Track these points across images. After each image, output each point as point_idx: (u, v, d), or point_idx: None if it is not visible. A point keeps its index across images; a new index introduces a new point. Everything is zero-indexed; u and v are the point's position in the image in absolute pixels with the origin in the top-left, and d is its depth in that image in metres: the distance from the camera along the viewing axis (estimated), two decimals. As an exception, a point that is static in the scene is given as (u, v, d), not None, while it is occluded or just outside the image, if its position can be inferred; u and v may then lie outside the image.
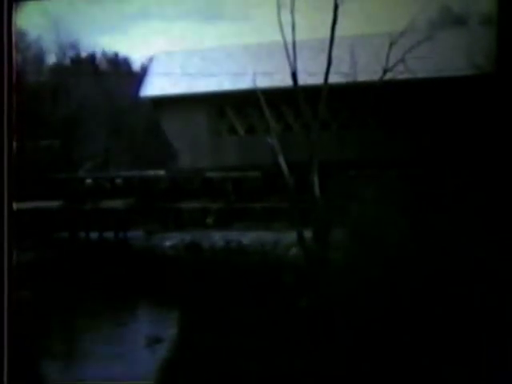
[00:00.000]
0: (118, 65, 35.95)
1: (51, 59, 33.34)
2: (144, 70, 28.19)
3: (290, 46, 17.42)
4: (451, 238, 10.37)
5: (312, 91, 18.26)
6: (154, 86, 26.36)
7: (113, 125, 30.71)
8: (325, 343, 9.81)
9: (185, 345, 12.38)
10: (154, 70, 27.06)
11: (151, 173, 27.40)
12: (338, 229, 13.53)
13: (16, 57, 5.58)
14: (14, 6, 5.40)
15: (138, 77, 28.60)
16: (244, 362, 10.29)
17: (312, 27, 19.90)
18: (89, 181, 28.40)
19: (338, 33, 17.44)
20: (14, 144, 5.82)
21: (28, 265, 16.51)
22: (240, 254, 21.20)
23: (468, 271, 9.00)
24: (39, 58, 32.39)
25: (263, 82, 20.54)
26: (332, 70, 17.49)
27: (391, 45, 17.81)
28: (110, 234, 25.33)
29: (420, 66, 19.51)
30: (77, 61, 34.48)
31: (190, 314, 14.47)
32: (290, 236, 18.37)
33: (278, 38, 17.79)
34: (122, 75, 32.22)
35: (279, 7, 17.33)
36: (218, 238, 23.09)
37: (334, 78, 17.94)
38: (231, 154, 25.94)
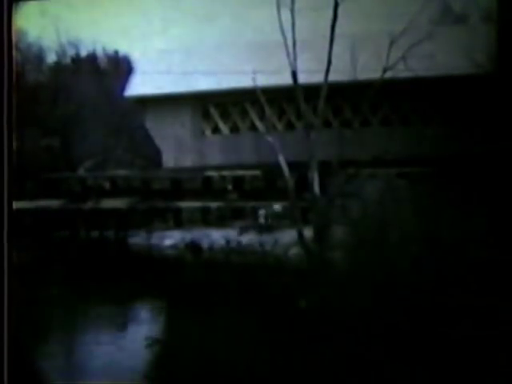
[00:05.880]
0: (117, 64, 35.91)
1: (51, 58, 33.34)
2: (140, 69, 28.11)
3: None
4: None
5: (311, 90, 18.29)
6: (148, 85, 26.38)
7: (108, 124, 30.68)
8: (324, 345, 9.80)
9: (183, 345, 12.36)
10: (146, 68, 27.04)
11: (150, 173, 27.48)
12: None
13: (16, 56, 5.56)
14: (13, 5, 5.39)
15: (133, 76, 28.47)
16: (241, 361, 10.29)
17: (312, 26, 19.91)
18: (89, 179, 28.48)
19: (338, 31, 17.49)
20: (14, 144, 5.80)
21: (28, 264, 16.50)
22: (239, 254, 21.18)
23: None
24: (39, 57, 32.37)
25: (262, 81, 20.51)
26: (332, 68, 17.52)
27: (392, 43, 17.76)
28: (109, 233, 25.36)
29: (420, 64, 19.49)
30: (76, 60, 34.46)
31: (189, 314, 14.44)
32: (290, 235, 18.38)
33: (277, 36, 17.78)
34: (121, 75, 32.17)
35: (279, 6, 17.30)
36: (217, 236, 23.08)
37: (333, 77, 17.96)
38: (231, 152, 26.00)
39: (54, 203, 26.15)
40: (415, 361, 8.49)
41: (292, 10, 17.26)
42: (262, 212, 23.57)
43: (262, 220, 23.44)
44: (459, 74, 20.73)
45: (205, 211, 25.36)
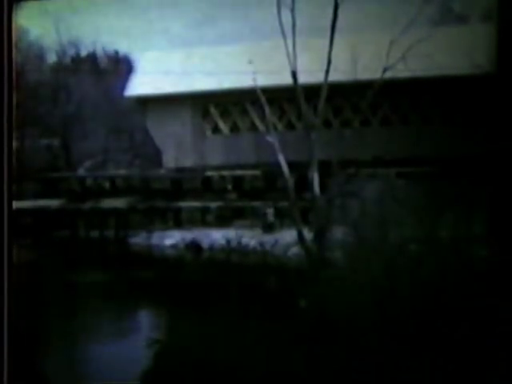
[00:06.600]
0: (118, 64, 35.94)
1: (51, 58, 33.38)
2: (141, 69, 28.09)
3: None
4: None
5: (311, 90, 18.28)
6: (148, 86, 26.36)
7: (108, 124, 30.72)
8: (324, 344, 9.80)
9: (183, 344, 12.36)
10: (146, 68, 27.02)
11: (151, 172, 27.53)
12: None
13: (16, 56, 5.56)
14: (14, 5, 5.39)
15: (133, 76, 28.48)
16: (242, 361, 10.29)
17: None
18: (89, 179, 28.54)
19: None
20: (14, 143, 5.81)
21: (28, 264, 16.51)
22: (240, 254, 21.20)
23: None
24: (39, 57, 32.39)
25: (262, 81, 20.51)
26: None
27: (392, 43, 17.73)
28: (109, 233, 25.38)
29: (420, 64, 19.50)
30: (77, 60, 34.50)
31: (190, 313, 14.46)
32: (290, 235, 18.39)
33: (277, 36, 17.75)
34: (122, 74, 32.20)
35: (279, 6, 17.26)
36: (217, 236, 23.09)
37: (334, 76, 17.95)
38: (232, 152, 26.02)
39: (53, 203, 26.17)
40: (414, 361, 8.50)
41: (292, 10, 17.23)
42: (269, 211, 23.49)
43: (270, 219, 23.38)
44: (459, 74, 20.73)
45: (205, 211, 25.39)
